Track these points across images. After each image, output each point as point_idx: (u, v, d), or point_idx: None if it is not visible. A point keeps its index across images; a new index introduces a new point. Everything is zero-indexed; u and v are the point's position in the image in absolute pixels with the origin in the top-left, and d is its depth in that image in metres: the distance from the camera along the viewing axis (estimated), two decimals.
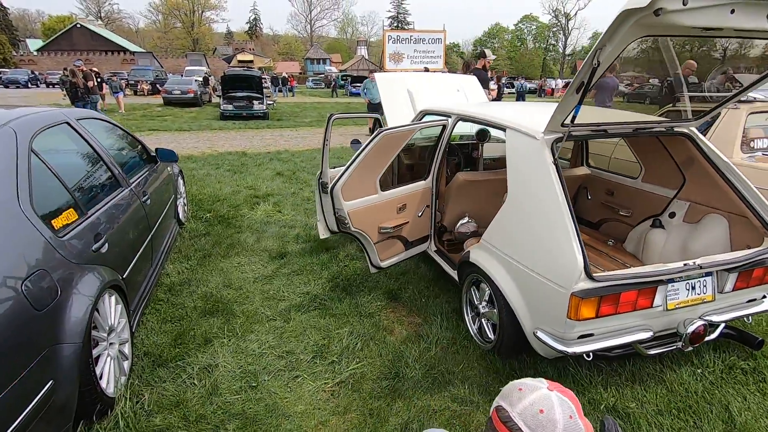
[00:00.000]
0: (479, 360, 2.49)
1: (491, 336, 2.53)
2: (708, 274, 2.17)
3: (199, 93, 19.43)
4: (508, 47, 65.37)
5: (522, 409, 0.84)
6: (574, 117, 2.05)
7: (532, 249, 2.15)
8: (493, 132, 3.93)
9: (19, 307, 1.51)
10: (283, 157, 8.43)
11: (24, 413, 1.46)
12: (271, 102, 18.15)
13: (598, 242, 3.15)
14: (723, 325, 2.28)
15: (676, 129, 2.61)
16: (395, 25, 65.25)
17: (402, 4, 70.87)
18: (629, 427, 2.01)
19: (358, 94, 26.51)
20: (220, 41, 76.28)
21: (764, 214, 2.35)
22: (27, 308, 1.54)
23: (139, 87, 26.41)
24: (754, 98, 3.94)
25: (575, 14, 70.37)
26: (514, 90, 24.63)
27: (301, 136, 11.73)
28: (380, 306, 3.06)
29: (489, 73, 6.25)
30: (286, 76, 31.81)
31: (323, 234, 3.23)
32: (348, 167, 2.70)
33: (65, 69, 12.00)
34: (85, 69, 11.13)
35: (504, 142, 2.48)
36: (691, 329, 2.08)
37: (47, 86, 31.47)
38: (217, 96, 19.47)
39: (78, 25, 49.02)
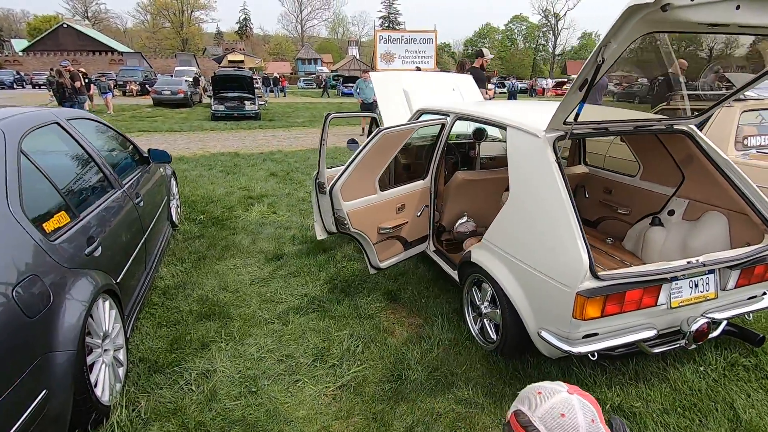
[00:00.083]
0: (482, 361, 2.46)
1: (494, 336, 2.51)
2: (711, 271, 2.16)
3: (189, 93, 19.26)
4: (499, 47, 65.68)
5: (543, 413, 0.83)
6: (577, 115, 2.03)
7: (536, 248, 2.13)
8: (490, 131, 3.93)
9: (10, 314, 1.45)
10: (276, 157, 8.36)
11: (17, 425, 1.40)
12: (263, 102, 18.06)
13: (597, 241, 3.15)
14: (725, 322, 2.28)
15: (675, 127, 2.61)
16: (386, 25, 65.19)
17: (393, 4, 70.88)
18: (636, 427, 2.00)
19: (350, 94, 26.51)
20: (210, 41, 75.67)
21: (764, 211, 2.35)
22: (18, 315, 1.48)
23: (127, 88, 26.09)
24: (745, 96, 3.97)
25: (564, 14, 70.93)
26: (505, 90, 24.80)
27: (293, 136, 11.66)
28: (380, 307, 3.02)
29: (485, 73, 6.22)
30: (278, 77, 31.63)
31: (320, 235, 3.20)
32: (347, 167, 2.65)
33: (52, 69, 11.82)
34: (72, 69, 10.98)
35: (500, 140, 2.46)
36: (695, 327, 2.08)
37: (33, 87, 31.01)
38: (208, 96, 19.30)
39: (64, 25, 48.28)
